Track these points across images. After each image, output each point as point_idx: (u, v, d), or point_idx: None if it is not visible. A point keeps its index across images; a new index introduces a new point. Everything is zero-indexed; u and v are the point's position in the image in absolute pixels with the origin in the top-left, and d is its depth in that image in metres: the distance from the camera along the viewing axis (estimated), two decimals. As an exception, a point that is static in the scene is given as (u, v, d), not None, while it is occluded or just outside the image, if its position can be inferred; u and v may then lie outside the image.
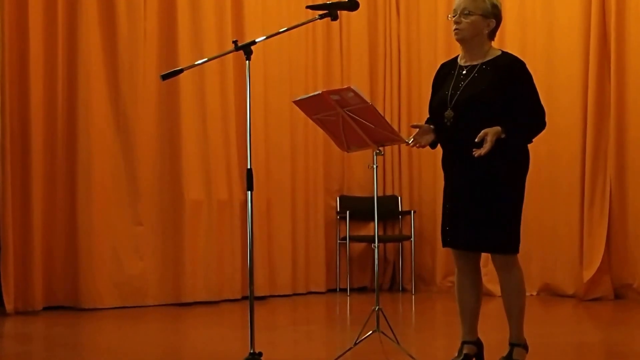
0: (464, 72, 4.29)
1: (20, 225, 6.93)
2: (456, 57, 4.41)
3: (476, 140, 4.07)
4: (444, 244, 4.42)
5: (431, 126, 4.39)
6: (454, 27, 4.27)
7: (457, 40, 4.31)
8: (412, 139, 4.42)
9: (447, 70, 4.40)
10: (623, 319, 6.79)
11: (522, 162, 4.26)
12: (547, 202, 7.79)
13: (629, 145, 7.50)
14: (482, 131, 4.07)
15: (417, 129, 4.40)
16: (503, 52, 4.34)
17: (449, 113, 4.24)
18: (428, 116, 4.49)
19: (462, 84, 4.26)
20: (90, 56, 7.19)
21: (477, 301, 4.41)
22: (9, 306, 6.75)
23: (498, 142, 4.08)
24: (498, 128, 4.07)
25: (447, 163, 4.37)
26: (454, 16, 4.27)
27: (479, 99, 4.17)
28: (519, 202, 4.25)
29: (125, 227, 7.32)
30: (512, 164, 4.20)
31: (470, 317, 4.40)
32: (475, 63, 4.28)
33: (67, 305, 7.13)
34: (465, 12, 4.24)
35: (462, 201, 4.24)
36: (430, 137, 4.40)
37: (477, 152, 4.07)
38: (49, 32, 7.11)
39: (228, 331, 6.33)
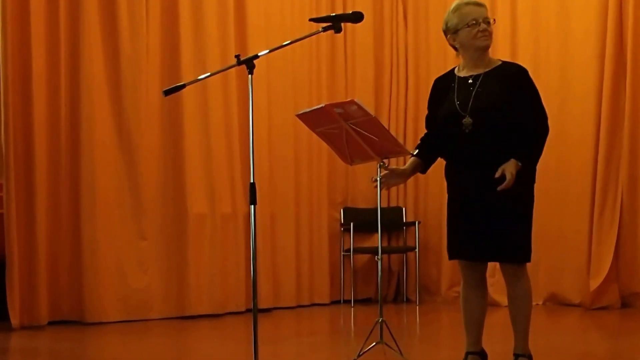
0: (470, 80, 4.27)
1: (25, 240, 6.93)
2: (452, 70, 4.41)
3: (495, 176, 4.09)
4: (451, 257, 4.39)
5: (405, 169, 4.49)
6: (485, 33, 4.22)
7: (485, 47, 4.26)
8: (375, 180, 4.53)
9: (445, 83, 4.38)
10: (630, 329, 6.76)
11: (531, 171, 4.26)
12: (556, 211, 7.72)
13: (643, 155, 7.47)
14: (500, 168, 4.09)
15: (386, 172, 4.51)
16: (503, 61, 4.36)
17: (467, 120, 4.21)
18: (425, 132, 4.49)
19: (472, 93, 4.24)
20: (93, 72, 7.20)
21: (482, 312, 4.41)
22: (14, 321, 6.75)
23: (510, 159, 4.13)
24: (513, 161, 4.11)
25: (455, 173, 4.34)
26: (476, 24, 4.21)
27: (496, 105, 4.16)
28: (529, 211, 4.25)
29: (129, 242, 7.32)
30: (522, 173, 4.17)
31: (475, 328, 4.40)
32: (478, 72, 4.28)
33: (72, 320, 7.13)
34: (487, 20, 4.25)
35: (474, 210, 4.23)
36: (400, 180, 4.57)
37: (501, 187, 4.08)
38: (51, 49, 7.12)
39: (232, 344, 6.32)
